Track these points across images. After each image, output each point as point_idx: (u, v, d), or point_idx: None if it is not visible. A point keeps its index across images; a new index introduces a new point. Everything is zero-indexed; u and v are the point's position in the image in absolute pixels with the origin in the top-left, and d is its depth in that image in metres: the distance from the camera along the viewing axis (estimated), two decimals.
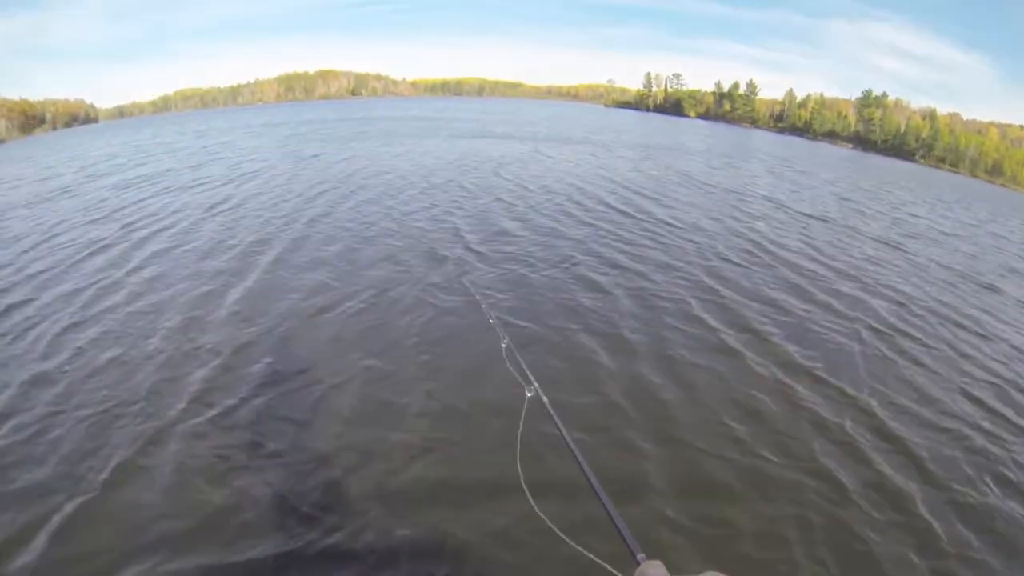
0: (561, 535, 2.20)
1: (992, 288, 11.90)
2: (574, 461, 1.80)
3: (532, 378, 2.89)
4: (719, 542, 4.08)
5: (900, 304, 9.62)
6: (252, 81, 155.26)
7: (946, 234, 18.22)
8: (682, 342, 7.20)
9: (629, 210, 14.77)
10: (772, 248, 12.27)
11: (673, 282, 9.39)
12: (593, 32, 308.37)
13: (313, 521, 4.05)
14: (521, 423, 2.99)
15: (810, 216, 16.73)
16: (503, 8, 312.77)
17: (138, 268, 9.42)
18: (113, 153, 29.61)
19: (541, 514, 2.33)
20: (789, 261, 11.34)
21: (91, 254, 10.26)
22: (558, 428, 2.18)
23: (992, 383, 7.13)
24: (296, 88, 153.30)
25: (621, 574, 1.18)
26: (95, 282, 8.74)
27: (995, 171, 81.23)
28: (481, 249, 10.51)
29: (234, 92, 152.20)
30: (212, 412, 5.30)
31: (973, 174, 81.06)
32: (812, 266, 11.22)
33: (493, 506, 4.17)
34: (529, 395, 2.84)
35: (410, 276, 8.95)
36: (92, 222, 12.73)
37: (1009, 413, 6.36)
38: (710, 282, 9.48)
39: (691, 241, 12.12)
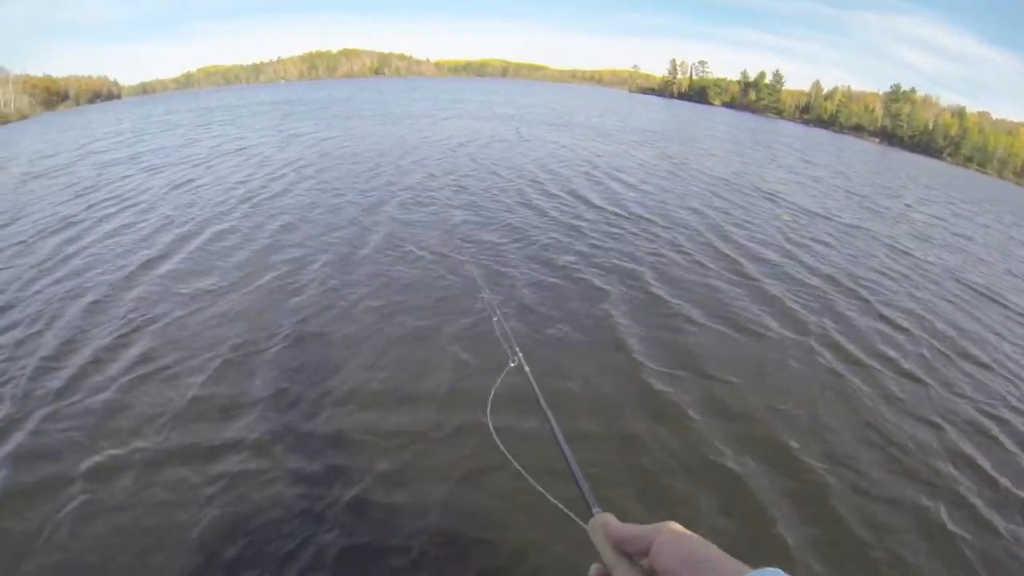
0: (523, 472, 2.15)
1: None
2: (545, 420, 1.77)
3: (517, 349, 2.86)
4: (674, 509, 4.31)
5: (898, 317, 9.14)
6: (275, 59, 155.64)
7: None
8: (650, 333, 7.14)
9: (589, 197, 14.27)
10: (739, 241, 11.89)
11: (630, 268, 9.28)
12: (619, 17, 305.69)
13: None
14: (499, 381, 2.89)
15: (812, 212, 16.20)
16: None
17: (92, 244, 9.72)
18: (120, 130, 29.84)
19: (507, 453, 2.31)
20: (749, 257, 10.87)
21: (53, 232, 10.46)
22: (534, 390, 2.14)
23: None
24: (319, 66, 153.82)
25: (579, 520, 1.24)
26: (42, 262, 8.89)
27: None
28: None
29: (256, 70, 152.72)
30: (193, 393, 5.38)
31: (1001, 175, 79.27)
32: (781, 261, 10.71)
33: (465, 449, 4.69)
34: (512, 364, 2.82)
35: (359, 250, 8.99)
36: (65, 202, 12.87)
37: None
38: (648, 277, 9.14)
39: (647, 234, 11.60)
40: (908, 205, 22.47)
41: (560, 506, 1.67)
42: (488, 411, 2.89)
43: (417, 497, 4.25)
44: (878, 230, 15.34)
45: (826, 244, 12.69)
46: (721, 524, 4.23)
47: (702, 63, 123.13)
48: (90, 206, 12.24)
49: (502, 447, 2.36)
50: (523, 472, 2.12)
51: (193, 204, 12.23)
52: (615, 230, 11.39)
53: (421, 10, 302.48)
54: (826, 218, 15.63)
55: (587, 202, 13.53)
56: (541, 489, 2.03)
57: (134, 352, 6.05)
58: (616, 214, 12.65)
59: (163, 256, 8.98)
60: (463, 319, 6.90)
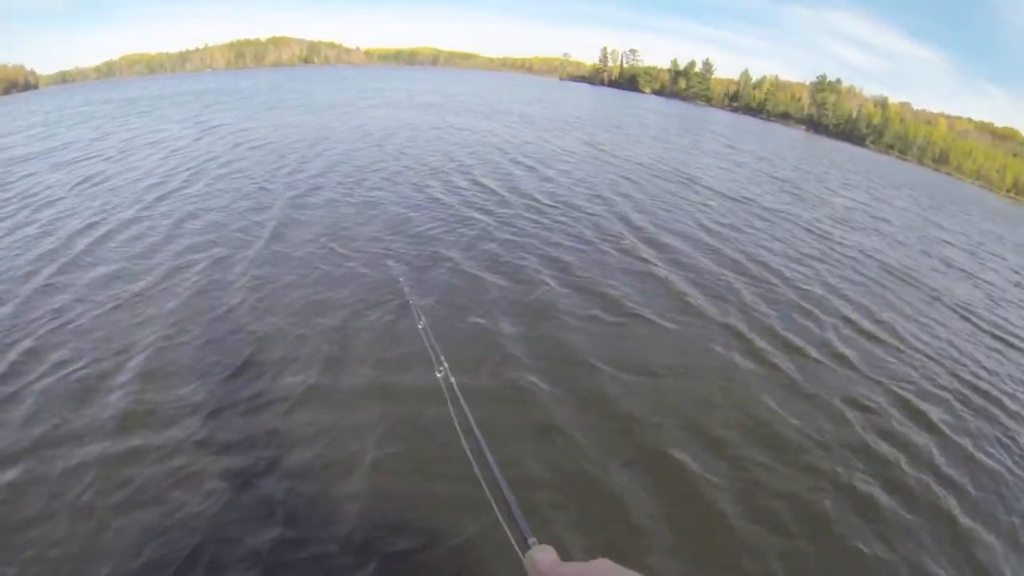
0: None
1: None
2: (475, 442, 1.86)
3: (443, 359, 2.85)
4: (612, 531, 4.13)
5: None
6: (201, 47, 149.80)
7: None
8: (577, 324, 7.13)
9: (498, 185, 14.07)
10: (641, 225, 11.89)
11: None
12: (551, 5, 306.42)
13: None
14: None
15: (732, 197, 16.40)
16: None
17: None
18: (31, 123, 28.02)
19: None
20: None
21: None
22: (463, 409, 2.22)
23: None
24: (247, 55, 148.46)
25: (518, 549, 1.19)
26: None
27: (941, 160, 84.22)
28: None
29: (183, 58, 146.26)
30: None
31: (921, 162, 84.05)
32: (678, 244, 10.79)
33: (393, 477, 4.37)
34: (439, 375, 2.81)
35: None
36: None
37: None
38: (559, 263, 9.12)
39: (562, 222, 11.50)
40: (829, 189, 23.21)
41: (507, 532, 1.51)
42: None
43: (344, 505, 4.10)
44: (797, 214, 15.90)
45: (743, 229, 12.94)
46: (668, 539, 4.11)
47: (633, 51, 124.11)
48: None
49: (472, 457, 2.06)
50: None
51: (98, 200, 11.52)
52: (530, 221, 11.20)
53: None
54: (745, 202, 15.97)
55: (505, 191, 13.32)
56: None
57: (40, 359, 5.67)
58: (533, 203, 12.49)
59: (62, 255, 8.43)
60: (384, 318, 6.70)
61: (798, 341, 7.47)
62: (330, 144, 18.26)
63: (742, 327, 7.56)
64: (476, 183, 13.81)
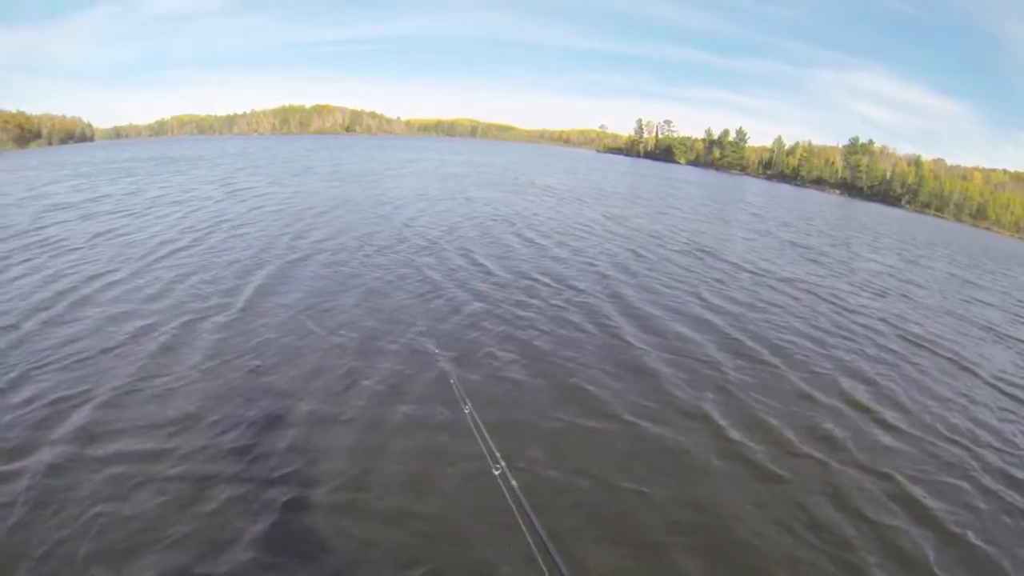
0: None
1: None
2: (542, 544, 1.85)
3: (499, 455, 2.84)
4: None
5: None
6: (248, 112, 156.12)
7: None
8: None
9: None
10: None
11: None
12: (585, 77, 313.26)
13: None
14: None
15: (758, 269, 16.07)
16: (499, 53, 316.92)
17: None
18: (79, 172, 30.06)
19: None
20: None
21: None
22: (526, 511, 2.19)
23: None
24: (291, 121, 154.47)
25: None
26: None
27: (979, 215, 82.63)
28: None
29: (230, 121, 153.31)
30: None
31: (958, 219, 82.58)
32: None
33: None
34: (496, 472, 2.80)
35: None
36: None
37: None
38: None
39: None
40: (854, 253, 22.75)
41: None
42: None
43: None
44: (816, 282, 15.29)
45: (752, 303, 12.47)
46: None
47: (668, 122, 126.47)
48: (10, 251, 12.07)
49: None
50: None
51: (109, 253, 12.19)
52: (513, 300, 10.62)
53: (394, 69, 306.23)
54: (760, 274, 15.42)
55: (495, 266, 13.02)
56: None
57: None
58: (519, 280, 12.04)
59: (51, 301, 9.01)
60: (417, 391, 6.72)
61: (790, 434, 6.65)
62: (340, 213, 18.64)
63: (723, 421, 6.76)
64: (468, 257, 13.57)
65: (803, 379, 8.31)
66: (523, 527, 2.30)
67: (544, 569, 2.03)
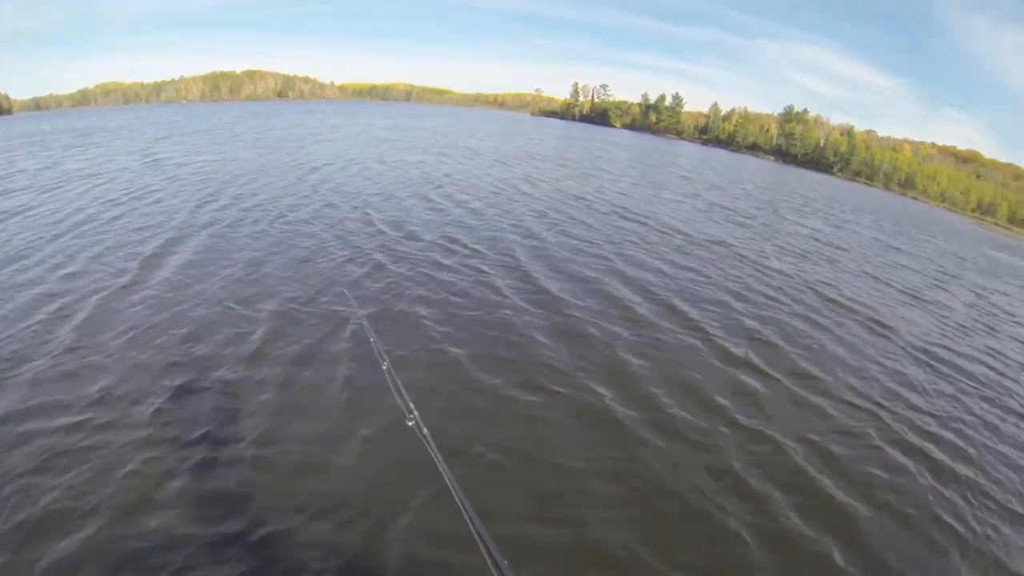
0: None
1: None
2: (451, 492, 1.99)
3: (412, 406, 2.89)
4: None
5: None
6: (177, 78, 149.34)
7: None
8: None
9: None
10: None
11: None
12: (523, 41, 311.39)
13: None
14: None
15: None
16: (437, 17, 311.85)
17: None
18: None
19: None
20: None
21: None
22: (435, 458, 2.30)
23: None
24: (222, 87, 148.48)
25: None
26: None
27: (907, 185, 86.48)
28: None
29: (157, 88, 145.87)
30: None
31: (887, 187, 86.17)
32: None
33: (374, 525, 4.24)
34: (410, 423, 2.83)
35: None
36: None
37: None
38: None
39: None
40: (781, 216, 22.92)
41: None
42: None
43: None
44: (735, 243, 15.37)
45: (669, 262, 12.53)
46: None
47: (604, 86, 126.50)
48: None
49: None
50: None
51: (20, 230, 11.46)
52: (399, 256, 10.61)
53: (327, 33, 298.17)
54: (678, 235, 15.28)
55: (389, 227, 12.75)
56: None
57: None
58: (406, 239, 11.85)
59: None
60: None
61: (703, 398, 6.60)
62: (254, 178, 18.09)
63: (618, 385, 6.65)
64: (367, 218, 13.38)
65: (720, 342, 8.27)
66: (434, 473, 2.42)
67: (455, 507, 2.13)
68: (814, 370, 7.80)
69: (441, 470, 2.22)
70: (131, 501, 4.27)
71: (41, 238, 10.76)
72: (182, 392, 5.68)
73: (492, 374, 6.52)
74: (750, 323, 9.16)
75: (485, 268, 10.21)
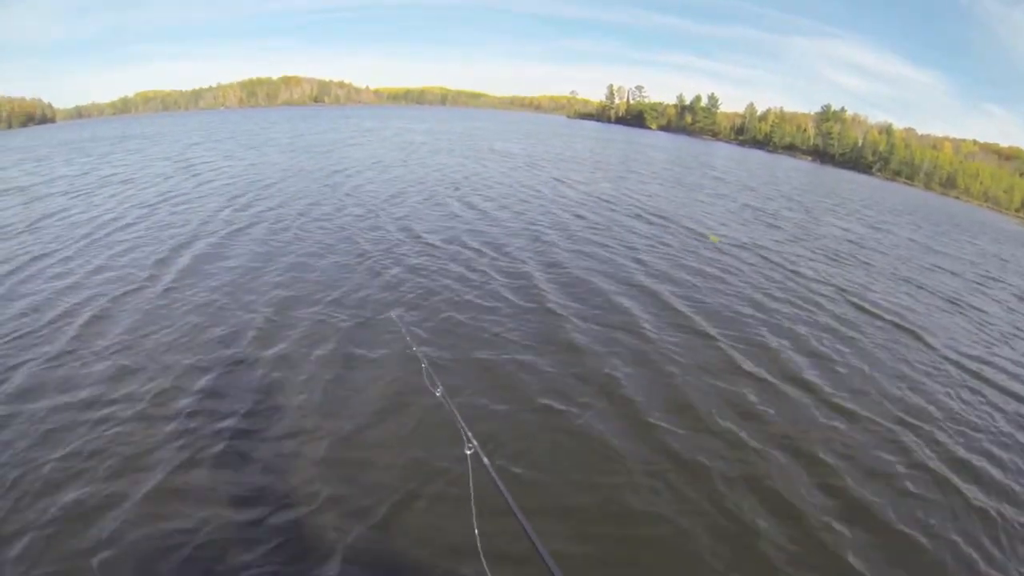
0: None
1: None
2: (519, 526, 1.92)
3: (471, 435, 2.78)
4: None
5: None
6: (214, 85, 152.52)
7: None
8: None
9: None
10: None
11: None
12: (557, 44, 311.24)
13: None
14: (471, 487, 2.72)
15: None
16: (471, 20, 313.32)
17: None
18: (35, 156, 29.41)
19: None
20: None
21: None
22: (501, 491, 2.24)
23: None
24: (259, 94, 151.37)
25: None
26: None
27: (949, 184, 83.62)
28: None
29: (196, 95, 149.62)
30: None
31: (928, 187, 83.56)
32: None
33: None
34: (469, 452, 2.75)
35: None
36: None
37: None
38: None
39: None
40: (815, 218, 22.35)
41: None
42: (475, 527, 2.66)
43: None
44: (767, 246, 14.90)
45: (694, 267, 12.13)
46: None
47: (639, 88, 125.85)
48: None
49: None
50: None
51: (51, 233, 12.05)
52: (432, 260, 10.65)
53: (363, 38, 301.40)
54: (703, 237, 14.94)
55: (425, 231, 12.70)
56: None
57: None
58: (438, 246, 11.66)
59: None
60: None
61: (725, 412, 6.21)
62: (288, 184, 18.30)
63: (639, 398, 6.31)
64: (406, 224, 13.22)
65: (745, 352, 7.84)
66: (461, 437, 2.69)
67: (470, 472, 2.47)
68: (839, 385, 7.21)
69: (509, 503, 2.13)
70: (166, 490, 4.46)
71: (72, 239, 11.39)
72: (214, 392, 5.83)
73: (557, 398, 6.11)
74: (777, 330, 8.74)
75: (532, 275, 9.99)
